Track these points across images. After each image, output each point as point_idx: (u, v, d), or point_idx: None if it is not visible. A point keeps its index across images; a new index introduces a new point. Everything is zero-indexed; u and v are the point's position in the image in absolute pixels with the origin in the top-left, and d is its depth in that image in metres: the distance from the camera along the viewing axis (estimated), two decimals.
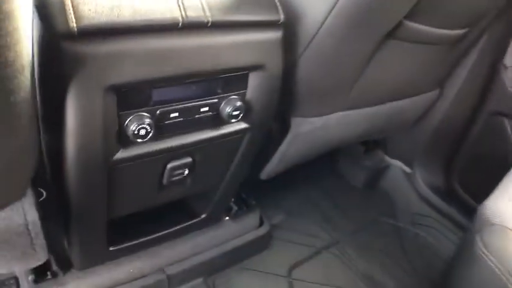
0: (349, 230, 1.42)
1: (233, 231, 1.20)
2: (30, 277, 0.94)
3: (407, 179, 1.59)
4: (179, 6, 0.66)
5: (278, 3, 0.78)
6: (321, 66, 0.90)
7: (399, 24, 0.88)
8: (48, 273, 0.96)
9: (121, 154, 0.73)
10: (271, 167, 1.12)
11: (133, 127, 0.70)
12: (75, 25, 0.57)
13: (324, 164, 1.60)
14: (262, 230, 1.25)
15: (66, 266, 0.98)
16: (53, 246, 0.96)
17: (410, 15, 0.86)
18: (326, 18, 0.81)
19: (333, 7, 0.79)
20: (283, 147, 1.05)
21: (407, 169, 1.60)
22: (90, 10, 0.59)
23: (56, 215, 0.90)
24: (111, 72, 0.63)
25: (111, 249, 0.98)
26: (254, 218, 1.26)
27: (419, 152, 1.53)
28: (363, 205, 1.55)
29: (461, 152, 1.42)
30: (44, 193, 0.94)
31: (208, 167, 0.92)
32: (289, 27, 0.83)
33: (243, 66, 0.79)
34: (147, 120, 0.70)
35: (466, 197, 1.44)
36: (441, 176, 1.50)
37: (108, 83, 0.64)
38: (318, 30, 0.83)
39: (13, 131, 0.57)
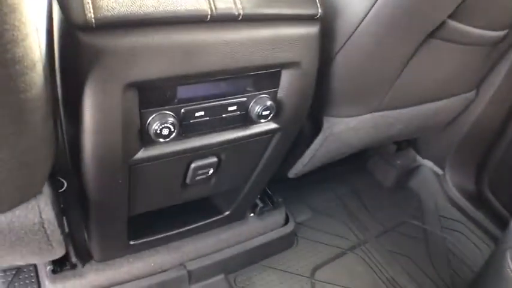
0: (376, 232, 1.33)
1: (257, 228, 1.13)
2: (49, 268, 0.90)
3: (437, 180, 1.48)
4: None
5: None
6: (358, 65, 0.81)
7: (442, 24, 0.79)
8: (67, 263, 0.92)
9: (142, 153, 0.66)
10: (300, 166, 1.04)
11: (155, 126, 0.62)
12: (92, 16, 0.50)
13: (353, 162, 1.49)
14: (287, 229, 1.18)
15: (85, 257, 0.93)
16: (72, 237, 0.92)
17: (455, 15, 0.77)
18: (366, 14, 0.72)
19: (374, 4, 0.70)
20: (313, 147, 0.97)
21: (439, 170, 1.49)
22: (111, 3, 0.51)
23: (77, 205, 0.85)
24: (132, 68, 0.56)
25: (131, 243, 0.93)
26: (279, 215, 1.18)
27: (451, 154, 1.42)
28: (391, 205, 1.45)
29: (494, 157, 1.31)
30: (65, 183, 0.89)
31: (234, 166, 0.84)
32: (327, 23, 0.74)
33: (276, 64, 0.70)
34: (171, 120, 0.63)
35: (497, 205, 1.33)
36: (472, 180, 1.39)
37: (128, 79, 0.56)
38: (357, 27, 0.74)
39: (25, 130, 0.51)
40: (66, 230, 0.93)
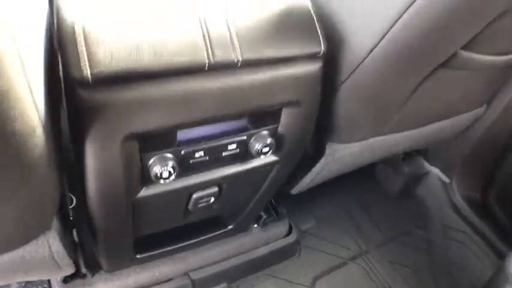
0: (379, 241, 1.33)
1: (261, 239, 1.15)
2: (59, 278, 0.93)
3: (444, 188, 1.46)
4: (205, 42, 0.56)
5: (320, 32, 0.66)
6: (363, 96, 0.79)
7: (454, 55, 0.75)
8: (78, 273, 0.95)
9: (144, 192, 0.68)
10: (303, 185, 1.04)
11: (156, 170, 0.63)
12: (89, 72, 0.50)
13: (359, 169, 1.49)
14: (290, 239, 1.19)
15: (95, 267, 0.96)
16: (82, 248, 0.95)
17: (468, 45, 0.74)
18: (373, 48, 0.69)
19: (382, 38, 0.67)
20: (315, 170, 0.97)
21: (445, 178, 1.47)
22: (105, 54, 0.51)
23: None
24: (131, 120, 0.56)
25: (138, 256, 0.95)
26: (283, 226, 1.19)
27: (459, 162, 1.40)
28: (396, 214, 1.44)
29: (502, 169, 1.29)
30: (74, 200, 0.91)
31: (236, 193, 0.85)
32: (331, 54, 0.71)
33: (276, 104, 0.69)
34: (171, 163, 0.64)
35: (502, 217, 1.32)
36: (479, 191, 1.37)
37: (127, 132, 0.57)
38: (363, 60, 0.72)
39: (29, 185, 0.52)
40: (76, 240, 0.96)
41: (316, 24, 0.67)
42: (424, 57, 0.73)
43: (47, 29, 0.54)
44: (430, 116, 1.01)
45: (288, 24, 0.65)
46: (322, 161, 0.93)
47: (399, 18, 0.64)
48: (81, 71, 0.50)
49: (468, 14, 0.65)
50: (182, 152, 0.65)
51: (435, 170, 1.50)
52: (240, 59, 0.59)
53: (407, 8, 0.62)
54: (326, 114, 0.82)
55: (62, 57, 0.52)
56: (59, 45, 0.52)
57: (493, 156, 1.29)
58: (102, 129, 0.55)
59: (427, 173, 1.51)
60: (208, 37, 0.57)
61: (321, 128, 0.84)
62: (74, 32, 0.51)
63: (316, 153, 0.92)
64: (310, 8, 0.67)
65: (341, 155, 0.93)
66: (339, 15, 0.72)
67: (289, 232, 1.20)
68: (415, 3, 0.61)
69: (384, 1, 0.65)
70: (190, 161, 0.67)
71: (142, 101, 0.55)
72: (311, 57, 0.67)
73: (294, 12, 0.66)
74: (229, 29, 0.59)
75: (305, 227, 1.30)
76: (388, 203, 1.48)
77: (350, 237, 1.32)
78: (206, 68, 0.57)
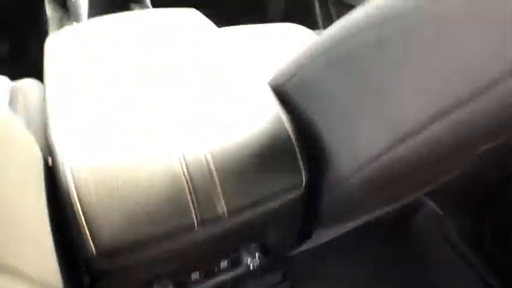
0: (370, 278, 1.44)
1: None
2: None
3: (438, 221, 1.55)
4: (192, 205, 0.65)
5: (301, 164, 0.72)
6: (348, 208, 0.85)
7: None
8: None
9: None
10: (296, 251, 1.15)
11: None
12: (94, 250, 0.60)
13: None
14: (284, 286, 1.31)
15: None
16: None
17: None
18: (354, 173, 0.70)
19: (363, 168, 0.68)
20: (303, 246, 1.07)
21: (439, 211, 1.56)
22: (107, 234, 0.61)
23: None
24: (133, 276, 0.68)
25: None
26: (277, 273, 1.31)
27: (453, 196, 1.47)
28: (389, 248, 1.54)
29: (497, 205, 1.35)
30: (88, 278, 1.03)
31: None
32: (313, 179, 0.76)
33: (261, 231, 0.79)
34: None
35: (496, 254, 1.39)
36: (473, 225, 1.45)
37: (132, 283, 0.69)
38: (342, 182, 0.74)
39: None
40: None
41: (298, 156, 0.72)
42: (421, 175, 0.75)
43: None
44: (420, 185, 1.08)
45: (270, 159, 0.71)
46: (309, 241, 1.03)
47: (388, 151, 0.64)
48: (86, 249, 0.61)
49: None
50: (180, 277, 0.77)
51: (430, 203, 1.58)
52: (226, 211, 0.67)
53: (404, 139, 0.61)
54: (309, 213, 0.89)
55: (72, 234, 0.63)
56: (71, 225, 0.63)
57: (489, 192, 1.35)
58: (109, 284, 0.67)
59: (420, 205, 1.59)
60: (195, 196, 0.65)
61: (307, 220, 0.93)
62: (75, 216, 0.60)
63: (301, 237, 1.02)
64: (292, 136, 0.72)
65: (328, 235, 1.03)
66: (321, 136, 0.74)
67: (284, 279, 1.32)
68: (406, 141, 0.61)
69: (372, 134, 0.67)
70: (187, 283, 0.79)
71: (141, 263, 0.67)
72: (293, 188, 0.74)
73: (275, 144, 0.71)
74: (213, 180, 0.66)
75: (301, 266, 1.40)
76: (381, 236, 1.55)
77: (342, 273, 1.43)
78: (196, 228, 0.66)
